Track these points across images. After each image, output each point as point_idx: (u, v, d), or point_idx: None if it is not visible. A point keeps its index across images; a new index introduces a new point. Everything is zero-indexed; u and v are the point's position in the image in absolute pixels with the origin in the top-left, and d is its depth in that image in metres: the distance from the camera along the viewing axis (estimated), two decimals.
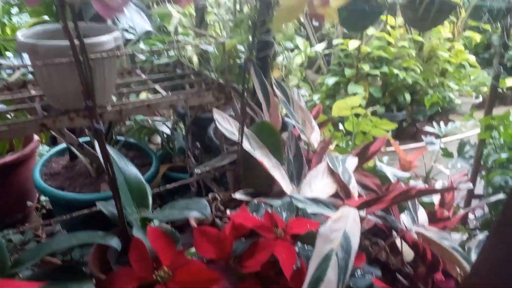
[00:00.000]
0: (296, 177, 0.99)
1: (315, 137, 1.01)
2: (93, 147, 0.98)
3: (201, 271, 0.59)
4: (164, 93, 0.97)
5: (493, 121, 1.17)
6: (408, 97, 2.73)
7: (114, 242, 0.65)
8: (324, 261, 0.61)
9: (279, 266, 0.64)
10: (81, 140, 1.07)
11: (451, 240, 0.73)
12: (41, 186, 1.32)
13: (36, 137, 1.63)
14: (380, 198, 0.82)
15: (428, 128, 1.73)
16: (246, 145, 0.91)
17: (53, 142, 1.94)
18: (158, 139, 1.86)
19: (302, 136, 1.00)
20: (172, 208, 0.73)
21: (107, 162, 0.73)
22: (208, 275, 0.58)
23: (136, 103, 0.89)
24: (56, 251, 0.95)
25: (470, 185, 1.39)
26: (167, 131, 1.62)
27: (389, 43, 2.70)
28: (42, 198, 1.63)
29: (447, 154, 1.52)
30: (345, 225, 0.67)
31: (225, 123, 0.95)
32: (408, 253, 0.97)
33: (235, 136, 0.93)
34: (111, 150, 0.84)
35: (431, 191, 0.83)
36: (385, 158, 1.54)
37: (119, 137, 1.59)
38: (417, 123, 2.84)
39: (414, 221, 0.83)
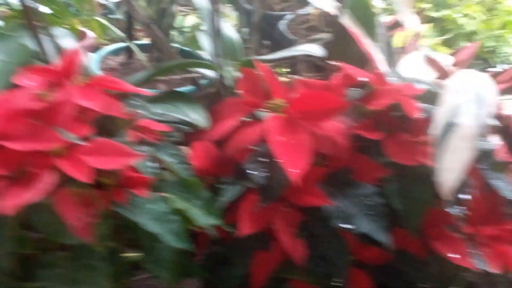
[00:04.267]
0: (388, 65, 0.91)
1: (411, 23, 0.92)
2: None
3: (323, 98, 0.53)
4: None
5: None
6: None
7: None
8: (455, 108, 0.54)
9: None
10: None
11: None
12: None
13: (91, 33, 1.59)
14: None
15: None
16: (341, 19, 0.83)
17: None
18: None
19: (399, 18, 0.91)
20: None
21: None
22: (332, 102, 0.52)
23: None
24: None
25: None
26: None
27: None
28: None
29: None
30: (474, 84, 0.59)
31: None
32: None
33: (328, 7, 0.85)
34: None
35: None
36: None
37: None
38: None
39: None
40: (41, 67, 0.45)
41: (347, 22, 0.83)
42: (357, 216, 0.51)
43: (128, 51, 1.49)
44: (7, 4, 1.05)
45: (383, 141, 0.56)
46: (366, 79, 0.64)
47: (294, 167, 0.47)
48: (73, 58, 0.43)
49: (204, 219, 0.46)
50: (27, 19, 0.58)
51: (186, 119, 0.53)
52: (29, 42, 0.67)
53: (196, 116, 0.54)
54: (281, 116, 0.53)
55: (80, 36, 1.63)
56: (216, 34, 0.67)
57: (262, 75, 0.58)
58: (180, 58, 1.51)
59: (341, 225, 0.51)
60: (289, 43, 1.15)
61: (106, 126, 0.42)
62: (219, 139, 0.58)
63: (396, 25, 1.00)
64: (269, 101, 0.56)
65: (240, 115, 0.55)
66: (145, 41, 1.39)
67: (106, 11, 2.24)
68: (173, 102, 0.55)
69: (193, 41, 1.65)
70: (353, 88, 0.64)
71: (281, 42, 1.21)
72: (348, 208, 0.52)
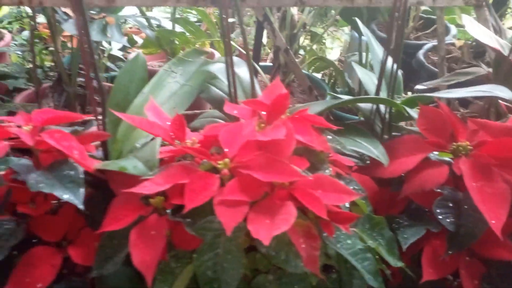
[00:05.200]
0: None
1: None
2: None
3: None
4: None
5: None
6: None
7: None
8: None
9: None
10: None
11: None
12: None
13: (217, 53, 1.70)
14: None
15: None
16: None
17: None
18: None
19: None
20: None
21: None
22: None
23: None
24: None
25: None
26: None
27: None
28: None
29: None
30: None
31: (479, 27, 0.83)
32: None
33: (493, 43, 0.81)
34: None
35: None
36: None
37: None
38: None
39: None
40: (253, 100, 0.49)
41: None
42: None
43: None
44: (139, 24, 1.14)
45: None
46: None
47: (495, 218, 0.44)
48: (284, 94, 0.46)
49: (390, 259, 0.46)
50: (226, 50, 0.62)
51: (370, 154, 0.53)
52: (205, 68, 0.74)
53: (377, 152, 0.54)
54: (471, 160, 0.51)
55: (209, 56, 1.76)
56: (382, 70, 0.67)
57: (443, 114, 0.57)
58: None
59: None
60: (429, 75, 1.11)
61: (308, 160, 0.44)
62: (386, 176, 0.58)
63: None
64: (453, 143, 0.54)
65: (421, 155, 0.54)
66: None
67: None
68: (352, 136, 0.56)
69: (310, 64, 1.69)
70: None
71: (418, 73, 1.18)
72: None
